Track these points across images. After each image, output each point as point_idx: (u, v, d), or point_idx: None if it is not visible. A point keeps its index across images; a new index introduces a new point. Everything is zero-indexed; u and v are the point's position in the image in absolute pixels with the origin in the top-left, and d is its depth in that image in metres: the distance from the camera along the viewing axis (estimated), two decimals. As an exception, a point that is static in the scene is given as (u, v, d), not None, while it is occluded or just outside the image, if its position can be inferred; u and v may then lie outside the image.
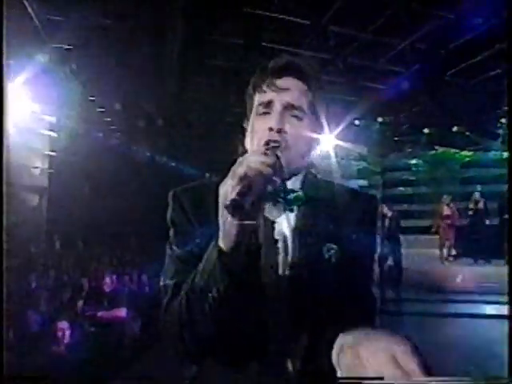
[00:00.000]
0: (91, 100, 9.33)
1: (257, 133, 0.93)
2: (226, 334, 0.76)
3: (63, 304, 3.86)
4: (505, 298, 5.51)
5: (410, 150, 11.66)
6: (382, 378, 0.59)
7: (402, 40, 7.68)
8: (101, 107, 9.79)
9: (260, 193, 0.72)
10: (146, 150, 10.93)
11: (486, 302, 5.66)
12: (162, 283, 0.88)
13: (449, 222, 8.34)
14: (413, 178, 12.16)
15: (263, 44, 7.68)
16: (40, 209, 8.61)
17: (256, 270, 0.79)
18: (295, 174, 0.96)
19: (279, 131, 0.90)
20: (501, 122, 8.14)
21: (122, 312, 3.93)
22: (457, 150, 11.15)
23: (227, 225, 0.73)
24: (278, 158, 0.80)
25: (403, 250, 7.94)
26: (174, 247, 0.91)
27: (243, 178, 0.71)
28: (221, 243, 0.74)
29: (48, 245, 7.18)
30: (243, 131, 1.01)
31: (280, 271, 0.84)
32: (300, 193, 0.91)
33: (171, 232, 0.93)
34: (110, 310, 3.96)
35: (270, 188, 0.77)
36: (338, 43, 7.87)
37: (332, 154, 10.48)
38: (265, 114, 0.94)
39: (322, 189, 0.99)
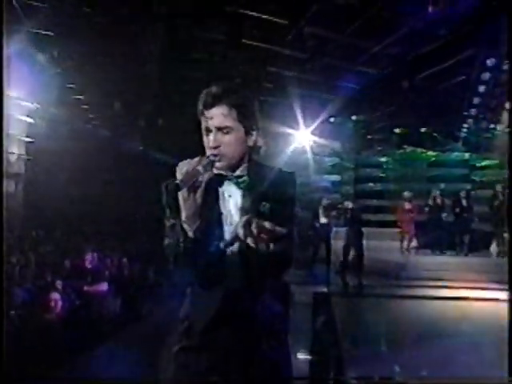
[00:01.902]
0: (69, 87, 9.30)
1: (206, 146, 1.33)
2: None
3: (48, 281, 4.13)
4: (454, 283, 6.14)
5: (380, 148, 12.18)
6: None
7: (375, 44, 7.97)
8: (79, 95, 9.77)
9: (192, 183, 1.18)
10: (123, 138, 10.95)
11: (438, 287, 6.23)
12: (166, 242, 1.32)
13: (409, 216, 8.91)
14: (383, 174, 12.64)
15: (243, 41, 7.91)
16: (16, 195, 8.59)
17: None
18: (238, 166, 1.36)
19: (216, 147, 1.29)
20: (463, 126, 8.67)
21: (103, 286, 4.30)
22: (424, 150, 11.76)
23: (180, 199, 1.21)
24: (211, 161, 1.25)
25: (372, 242, 8.47)
26: (171, 220, 1.30)
27: (185, 173, 1.17)
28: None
29: (26, 231, 7.25)
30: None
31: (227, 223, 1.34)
32: (245, 177, 1.35)
33: (167, 210, 1.28)
34: (92, 284, 4.31)
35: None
36: (315, 44, 8.18)
37: (307, 150, 10.84)
38: (207, 134, 1.32)
39: (261, 172, 1.39)
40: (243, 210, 1.32)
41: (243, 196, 1.35)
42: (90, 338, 3.49)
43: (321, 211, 7.54)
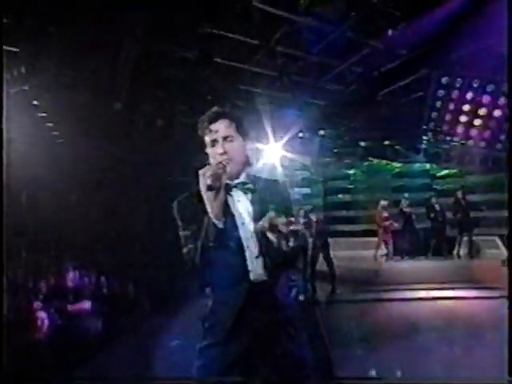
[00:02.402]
0: (34, 105, 9.11)
1: (212, 156, 1.65)
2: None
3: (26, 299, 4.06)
4: (423, 286, 6.50)
5: (348, 160, 12.65)
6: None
7: (340, 62, 8.40)
8: (44, 112, 9.54)
9: (217, 184, 1.45)
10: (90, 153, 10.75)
11: (409, 289, 6.58)
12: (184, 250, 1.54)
13: (387, 223, 9.29)
14: (351, 186, 13.13)
15: (215, 60, 8.12)
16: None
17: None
18: (239, 174, 1.66)
19: (224, 153, 1.60)
20: (423, 139, 9.23)
21: (86, 304, 4.26)
22: (388, 162, 12.35)
23: (208, 201, 1.45)
24: (224, 167, 1.53)
25: (342, 252, 8.76)
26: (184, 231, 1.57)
27: (211, 176, 1.43)
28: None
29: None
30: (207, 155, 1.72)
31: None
32: (250, 184, 1.63)
33: (179, 222, 1.59)
34: (75, 303, 4.26)
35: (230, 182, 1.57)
36: (284, 62, 8.52)
37: (278, 164, 11.10)
38: (213, 145, 1.63)
39: (258, 181, 1.69)
40: (253, 212, 1.58)
41: (250, 200, 1.62)
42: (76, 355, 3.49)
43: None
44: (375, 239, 9.81)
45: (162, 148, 11.16)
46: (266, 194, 1.61)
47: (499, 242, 9.58)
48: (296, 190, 12.56)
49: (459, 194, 9.28)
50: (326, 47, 7.79)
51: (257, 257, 1.51)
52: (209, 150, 1.65)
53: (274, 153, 11.12)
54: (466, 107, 7.77)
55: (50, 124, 10.02)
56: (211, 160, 1.62)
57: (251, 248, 1.52)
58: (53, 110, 9.30)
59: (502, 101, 7.38)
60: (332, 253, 7.41)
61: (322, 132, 11.87)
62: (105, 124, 10.08)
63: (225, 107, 1.69)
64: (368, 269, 7.95)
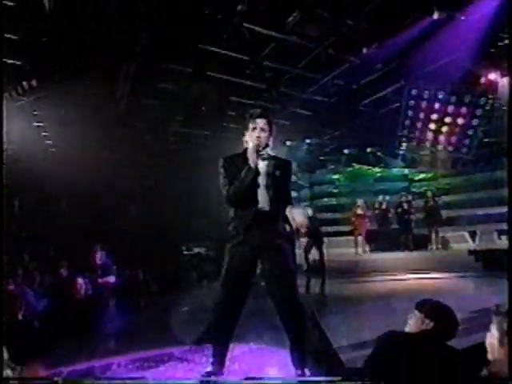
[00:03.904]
0: (34, 114, 9.48)
1: (251, 137, 2.66)
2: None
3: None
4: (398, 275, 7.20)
5: (332, 167, 13.48)
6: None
7: (323, 76, 9.11)
8: (39, 122, 9.90)
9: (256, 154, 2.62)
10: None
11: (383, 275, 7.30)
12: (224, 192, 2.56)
13: (361, 219, 10.12)
14: (335, 190, 13.96)
15: (208, 73, 8.79)
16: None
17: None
18: (263, 149, 2.71)
19: (259, 137, 2.63)
20: (400, 145, 10.06)
21: (111, 279, 5.07)
22: (370, 167, 13.20)
23: (251, 157, 2.64)
24: (266, 146, 2.70)
25: (328, 250, 9.46)
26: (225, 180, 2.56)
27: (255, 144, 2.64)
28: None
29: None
30: (244, 135, 2.74)
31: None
32: (266, 154, 2.72)
33: (222, 171, 2.60)
34: (103, 277, 5.03)
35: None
36: (272, 76, 9.24)
37: (274, 164, 11.70)
38: (253, 130, 2.62)
39: (274, 158, 2.73)
40: (267, 172, 2.65)
41: (267, 166, 2.69)
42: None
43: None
44: (358, 238, 10.59)
45: (158, 155, 11.72)
46: (276, 166, 2.71)
47: (468, 237, 10.48)
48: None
49: (429, 194, 10.14)
50: (309, 62, 8.58)
51: (264, 195, 2.61)
52: (249, 133, 2.72)
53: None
54: (434, 116, 8.65)
55: (45, 133, 10.47)
56: (249, 139, 2.70)
57: (262, 190, 2.61)
58: (50, 121, 9.74)
59: (464, 110, 8.30)
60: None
61: (308, 140, 12.69)
62: (103, 133, 10.55)
63: (263, 110, 2.84)
64: (349, 260, 8.70)
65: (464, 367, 1.42)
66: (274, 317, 2.56)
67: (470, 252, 8.43)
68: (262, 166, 2.65)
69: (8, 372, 1.34)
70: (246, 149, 2.71)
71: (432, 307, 1.76)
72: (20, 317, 2.98)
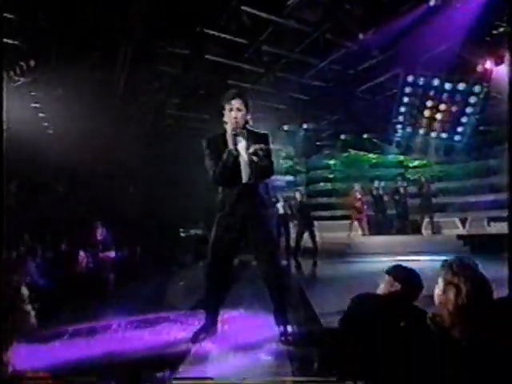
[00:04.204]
0: (32, 95, 9.48)
1: (229, 118, 2.84)
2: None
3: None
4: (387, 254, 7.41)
5: (328, 152, 13.62)
6: None
7: (321, 61, 9.15)
8: (36, 103, 9.92)
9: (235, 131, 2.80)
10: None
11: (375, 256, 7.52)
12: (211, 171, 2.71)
13: (359, 204, 10.33)
14: (331, 175, 14.09)
15: (206, 57, 8.84)
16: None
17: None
18: (242, 128, 2.86)
19: (236, 117, 2.80)
20: (396, 131, 10.16)
21: (112, 254, 5.31)
22: (366, 153, 13.34)
23: (230, 140, 2.80)
24: (236, 124, 2.81)
25: (322, 234, 9.68)
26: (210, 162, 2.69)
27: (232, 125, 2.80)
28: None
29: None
30: (223, 115, 2.86)
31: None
32: (245, 131, 2.86)
33: (207, 152, 2.74)
34: (103, 252, 5.27)
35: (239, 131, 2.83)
36: (269, 60, 9.29)
37: (253, 140, 11.81)
38: (230, 111, 2.82)
39: (252, 131, 2.89)
40: (247, 148, 2.78)
41: (246, 142, 2.83)
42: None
43: (280, 204, 8.63)
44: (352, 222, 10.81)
45: (156, 138, 11.80)
46: (256, 141, 2.81)
47: (459, 223, 10.73)
48: (280, 177, 13.41)
49: (423, 180, 10.33)
50: (307, 47, 8.63)
51: (247, 172, 2.80)
52: (226, 114, 2.85)
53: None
54: (429, 103, 8.77)
55: (43, 115, 10.49)
56: (227, 119, 2.83)
57: (244, 166, 2.80)
58: (48, 102, 9.74)
59: (459, 97, 8.42)
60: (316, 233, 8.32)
61: (305, 125, 12.77)
62: (101, 114, 10.58)
63: (238, 91, 2.95)
64: (342, 243, 8.94)
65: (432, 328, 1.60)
66: (262, 288, 2.76)
67: (459, 237, 8.69)
68: (242, 144, 2.81)
69: (28, 308, 1.50)
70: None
71: (400, 271, 1.96)
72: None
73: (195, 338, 2.62)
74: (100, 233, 5.71)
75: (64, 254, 5.04)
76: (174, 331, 2.83)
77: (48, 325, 2.25)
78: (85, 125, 10.25)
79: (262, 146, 2.71)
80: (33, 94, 9.41)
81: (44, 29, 7.44)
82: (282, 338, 2.59)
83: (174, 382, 1.50)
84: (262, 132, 2.94)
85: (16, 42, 7.47)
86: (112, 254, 5.62)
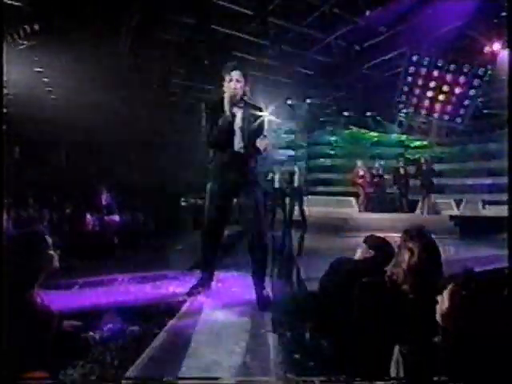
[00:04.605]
0: (35, 60, 9.45)
1: (228, 88, 3.00)
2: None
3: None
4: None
5: (331, 128, 13.66)
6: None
7: (327, 35, 9.09)
8: (40, 68, 9.90)
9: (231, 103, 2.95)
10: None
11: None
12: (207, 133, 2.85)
13: (362, 181, 10.50)
14: (332, 152, 14.22)
15: (212, 27, 8.78)
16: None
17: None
18: (240, 99, 3.04)
19: (235, 88, 2.97)
20: (398, 110, 10.17)
21: (116, 217, 5.59)
22: (367, 131, 13.37)
23: (227, 106, 2.95)
24: (235, 93, 2.98)
25: (321, 209, 9.92)
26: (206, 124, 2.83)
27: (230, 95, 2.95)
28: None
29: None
30: (222, 86, 3.01)
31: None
32: (243, 103, 3.05)
33: (205, 115, 2.90)
34: (108, 215, 5.55)
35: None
36: (275, 33, 9.21)
37: (265, 127, 11.94)
38: (230, 82, 3.00)
39: (249, 105, 3.06)
40: (243, 119, 2.95)
41: (242, 112, 3.00)
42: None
43: (277, 177, 8.83)
44: (349, 198, 11.01)
45: (160, 106, 11.85)
46: (251, 113, 3.02)
47: (453, 205, 10.93)
48: (281, 151, 13.54)
49: (422, 160, 10.45)
50: (314, 20, 8.55)
51: (239, 141, 2.96)
52: (226, 84, 2.99)
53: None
54: (432, 83, 8.76)
55: (46, 79, 10.48)
56: (226, 89, 2.97)
57: (237, 134, 2.96)
58: (51, 67, 9.71)
59: (463, 79, 8.40)
60: (306, 207, 8.57)
61: (308, 100, 12.74)
62: (104, 81, 10.56)
63: (238, 63, 3.09)
64: (340, 218, 9.18)
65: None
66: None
67: (451, 217, 8.92)
68: (238, 113, 2.97)
69: (52, 252, 1.74)
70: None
71: (373, 240, 2.17)
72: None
73: (191, 292, 2.88)
74: (105, 198, 5.96)
75: (71, 217, 5.30)
76: (172, 286, 3.11)
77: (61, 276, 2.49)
78: (88, 91, 10.31)
79: (257, 117, 2.92)
80: (36, 58, 9.41)
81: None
82: (259, 301, 2.78)
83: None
84: (258, 105, 3.08)
85: (20, 4, 7.44)
86: (116, 217, 5.89)
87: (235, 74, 2.95)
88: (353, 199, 10.57)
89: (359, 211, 10.33)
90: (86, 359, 1.66)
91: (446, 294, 1.33)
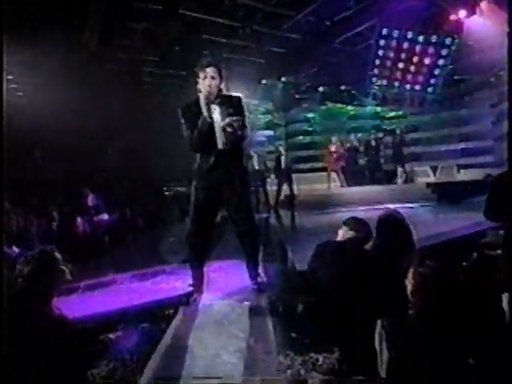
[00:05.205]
0: None
1: (203, 86, 2.88)
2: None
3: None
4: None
5: (306, 105, 13.72)
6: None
7: (296, 13, 9.09)
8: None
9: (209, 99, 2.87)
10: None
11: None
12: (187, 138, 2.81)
13: (335, 156, 10.73)
14: (310, 128, 14.33)
15: (180, 12, 8.64)
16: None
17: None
18: (217, 96, 2.93)
19: (210, 85, 2.85)
20: (372, 83, 10.34)
21: (105, 216, 5.64)
22: (343, 106, 13.52)
23: (204, 108, 2.87)
24: (220, 91, 2.93)
25: (302, 186, 10.11)
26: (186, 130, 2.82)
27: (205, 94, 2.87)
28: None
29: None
30: (197, 83, 2.92)
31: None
32: (219, 99, 2.93)
33: (183, 120, 2.85)
34: (97, 215, 5.59)
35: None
36: (245, 13, 9.13)
37: (226, 106, 11.82)
38: (204, 79, 2.88)
39: (225, 97, 2.96)
40: (222, 115, 2.87)
41: (220, 109, 2.90)
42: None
43: (255, 160, 8.94)
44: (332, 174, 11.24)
45: (134, 96, 11.68)
46: (229, 105, 2.91)
47: (430, 172, 11.33)
48: (260, 132, 13.59)
49: (397, 131, 10.74)
50: (282, -1, 8.52)
51: (222, 139, 2.88)
52: (200, 82, 2.90)
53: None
54: (403, 55, 8.94)
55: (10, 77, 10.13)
56: (201, 87, 2.87)
57: (218, 132, 2.87)
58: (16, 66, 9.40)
59: (432, 50, 8.61)
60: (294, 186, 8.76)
61: (283, 79, 12.74)
62: (75, 76, 10.31)
63: (213, 59, 3.10)
64: (321, 194, 9.42)
65: (374, 263, 2.03)
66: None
67: (428, 185, 9.28)
68: (216, 111, 2.87)
69: (63, 267, 1.86)
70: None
71: (352, 221, 2.36)
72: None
73: (187, 302, 2.78)
74: (91, 199, 5.97)
75: (61, 221, 5.32)
76: (171, 281, 3.25)
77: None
78: (58, 88, 10.06)
79: (238, 118, 2.77)
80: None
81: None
82: (255, 287, 2.90)
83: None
84: (235, 95, 2.99)
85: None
86: (105, 216, 5.93)
87: (210, 71, 2.85)
88: (333, 174, 10.79)
89: (328, 188, 10.59)
90: (107, 359, 1.81)
91: (409, 274, 1.54)
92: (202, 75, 2.86)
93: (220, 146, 2.87)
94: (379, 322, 1.68)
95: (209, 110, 2.83)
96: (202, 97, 2.84)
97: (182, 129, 2.91)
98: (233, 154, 2.91)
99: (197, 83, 2.93)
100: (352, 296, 1.79)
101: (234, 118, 2.73)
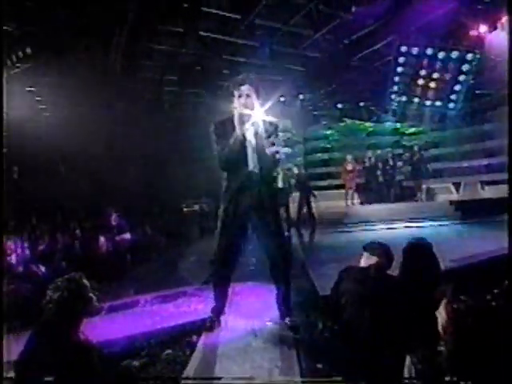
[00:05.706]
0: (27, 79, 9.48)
1: (239, 104, 2.86)
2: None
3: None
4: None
5: (325, 122, 13.74)
6: None
7: (315, 32, 9.18)
8: (31, 87, 9.92)
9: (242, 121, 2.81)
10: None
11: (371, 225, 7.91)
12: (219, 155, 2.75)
13: (351, 175, 10.66)
14: (328, 145, 14.30)
15: (200, 33, 8.87)
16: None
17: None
18: (250, 115, 2.85)
19: (246, 104, 2.83)
20: (391, 99, 10.28)
21: (127, 235, 5.72)
22: (362, 122, 13.46)
23: (238, 125, 2.83)
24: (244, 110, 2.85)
25: (322, 203, 10.05)
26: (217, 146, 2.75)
27: (240, 112, 2.80)
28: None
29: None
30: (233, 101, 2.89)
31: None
32: (255, 121, 2.88)
33: (214, 137, 2.81)
34: (119, 235, 5.68)
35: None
36: (263, 33, 9.29)
37: (262, 127, 12.02)
38: (239, 98, 2.86)
39: (261, 121, 2.89)
40: (256, 137, 2.83)
41: (254, 129, 2.84)
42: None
43: (280, 177, 8.95)
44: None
45: (154, 116, 11.92)
46: (262, 128, 2.88)
47: (452, 189, 11.06)
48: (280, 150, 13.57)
49: (415, 148, 10.59)
50: (300, 19, 8.64)
51: (253, 160, 2.84)
52: (235, 100, 2.87)
53: (258, 117, 12.01)
54: (423, 72, 8.87)
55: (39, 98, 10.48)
56: (236, 105, 2.85)
57: (250, 155, 2.83)
58: (43, 85, 9.72)
59: (452, 66, 8.52)
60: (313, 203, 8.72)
61: (301, 96, 12.82)
62: (98, 95, 10.61)
63: (248, 76, 2.96)
64: (339, 212, 9.30)
65: (398, 289, 1.98)
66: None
67: (451, 202, 9.06)
68: (250, 131, 2.81)
69: (91, 294, 1.88)
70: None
71: (374, 248, 2.30)
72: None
73: (210, 326, 2.69)
74: (114, 218, 6.08)
75: (85, 241, 5.43)
76: (193, 304, 3.22)
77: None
78: (81, 107, 10.35)
79: (271, 134, 2.81)
80: (29, 79, 9.42)
81: (36, 13, 7.44)
82: (288, 324, 2.66)
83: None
84: (273, 121, 2.93)
85: (9, 28, 7.46)
86: (127, 235, 6.01)
87: (245, 89, 2.81)
88: (350, 191, 10.68)
89: (346, 205, 10.49)
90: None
91: (441, 308, 1.47)
92: (237, 93, 2.84)
93: (251, 167, 2.80)
94: (408, 358, 1.61)
95: (243, 129, 2.78)
96: (236, 115, 2.79)
97: (212, 145, 2.86)
98: (263, 177, 2.83)
99: (232, 102, 2.89)
100: (379, 327, 1.73)
101: (275, 149, 2.77)
